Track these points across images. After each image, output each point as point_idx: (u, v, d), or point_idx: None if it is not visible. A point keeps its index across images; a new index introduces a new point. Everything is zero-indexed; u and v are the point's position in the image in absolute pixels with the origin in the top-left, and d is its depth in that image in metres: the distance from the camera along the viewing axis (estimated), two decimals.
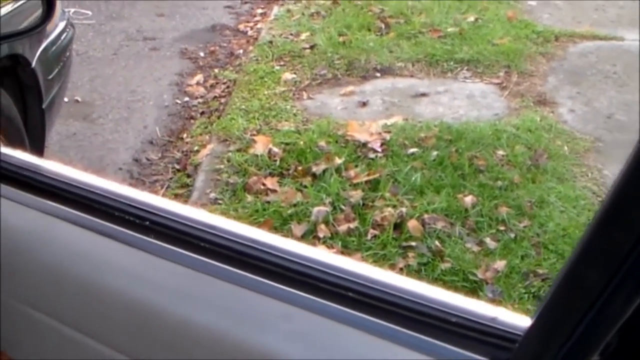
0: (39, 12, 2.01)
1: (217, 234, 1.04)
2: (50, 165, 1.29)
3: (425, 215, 4.25)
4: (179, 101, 6.15)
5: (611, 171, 4.73)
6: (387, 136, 5.09)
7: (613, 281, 0.66)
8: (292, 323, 0.88)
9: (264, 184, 4.62)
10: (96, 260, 1.12)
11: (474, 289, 3.79)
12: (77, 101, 6.03)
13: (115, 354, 1.07)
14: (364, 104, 5.84)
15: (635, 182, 0.60)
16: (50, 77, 4.12)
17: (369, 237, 4.13)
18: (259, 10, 8.31)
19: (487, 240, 4.11)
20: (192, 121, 5.81)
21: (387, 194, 4.44)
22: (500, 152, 4.94)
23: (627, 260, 0.64)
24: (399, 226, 4.19)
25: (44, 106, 4.03)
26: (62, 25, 4.32)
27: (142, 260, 1.10)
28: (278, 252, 0.97)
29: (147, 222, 1.13)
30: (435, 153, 4.86)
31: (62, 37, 4.30)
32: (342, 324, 0.87)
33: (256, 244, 1.00)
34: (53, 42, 4.15)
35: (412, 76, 6.36)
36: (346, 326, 0.87)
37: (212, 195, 4.61)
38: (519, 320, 0.84)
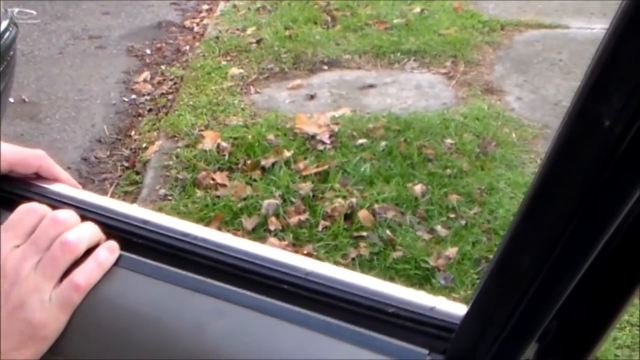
0: None
1: (145, 227, 0.99)
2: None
3: (376, 205, 4.26)
4: (126, 99, 6.10)
5: None
6: (336, 128, 5.08)
7: (546, 264, 0.64)
8: (226, 319, 0.85)
9: (213, 179, 4.59)
10: None
11: (426, 277, 3.80)
12: (24, 101, 5.95)
13: None
14: (312, 97, 5.83)
15: (559, 164, 0.60)
16: None
17: (320, 228, 4.12)
18: (205, 6, 8.26)
19: (438, 228, 4.13)
20: (140, 118, 5.76)
21: (337, 185, 4.44)
22: (449, 141, 4.96)
23: (558, 242, 0.62)
24: (349, 217, 4.19)
25: None
26: (4, 24, 4.25)
27: None
28: (206, 244, 0.92)
29: None
30: (383, 143, 4.86)
31: (5, 37, 4.23)
32: (273, 317, 0.84)
33: (182, 235, 0.95)
34: None
35: (359, 68, 6.36)
36: (278, 319, 0.84)
37: (162, 191, 4.58)
38: (458, 309, 0.80)
